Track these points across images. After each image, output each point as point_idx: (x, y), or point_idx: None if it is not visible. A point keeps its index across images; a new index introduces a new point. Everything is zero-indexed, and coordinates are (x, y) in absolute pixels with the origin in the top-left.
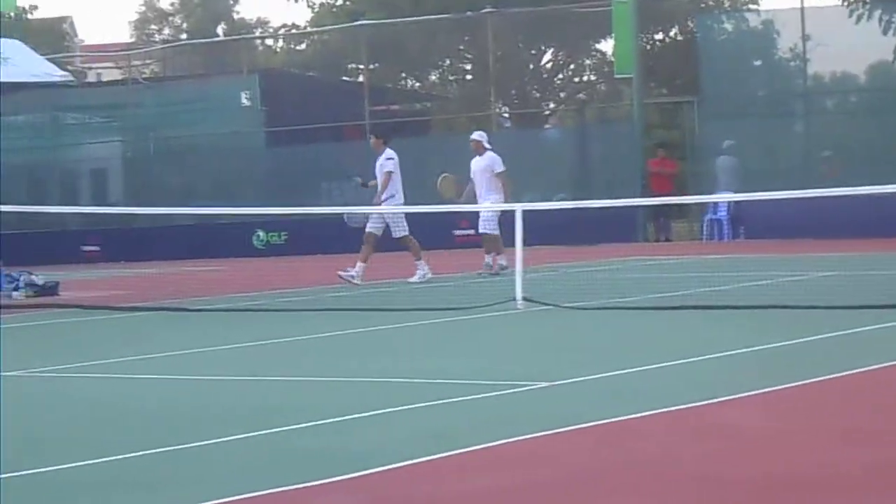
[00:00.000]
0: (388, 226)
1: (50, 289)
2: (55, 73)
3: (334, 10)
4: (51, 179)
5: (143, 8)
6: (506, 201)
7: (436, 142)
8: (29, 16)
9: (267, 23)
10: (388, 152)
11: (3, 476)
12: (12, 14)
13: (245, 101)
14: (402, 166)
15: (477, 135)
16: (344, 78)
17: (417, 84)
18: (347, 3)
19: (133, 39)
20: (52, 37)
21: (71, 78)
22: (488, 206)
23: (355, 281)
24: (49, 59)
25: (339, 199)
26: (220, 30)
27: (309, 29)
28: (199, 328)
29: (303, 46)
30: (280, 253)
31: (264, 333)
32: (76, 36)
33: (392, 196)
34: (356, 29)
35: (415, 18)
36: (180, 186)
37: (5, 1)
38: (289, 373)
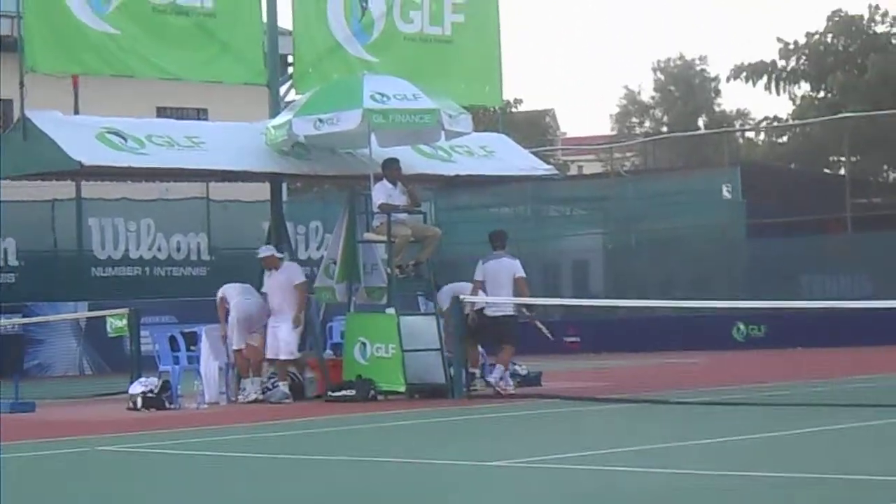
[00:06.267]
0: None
1: (533, 379)
2: (540, 167)
3: (816, 102)
4: (534, 270)
5: (625, 101)
6: (296, 317)
7: None
8: (513, 109)
9: (747, 115)
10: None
11: None
12: (498, 108)
13: (726, 194)
14: (877, 259)
15: (264, 249)
16: (825, 170)
17: None
18: (829, 96)
19: (614, 133)
20: (535, 130)
21: (555, 171)
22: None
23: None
24: (532, 153)
25: (819, 293)
26: (700, 122)
27: (791, 122)
28: (680, 421)
29: (784, 139)
30: (759, 346)
31: (744, 427)
32: (558, 129)
33: None
34: (839, 122)
35: None
36: (660, 278)
37: (492, 96)
38: (771, 468)
